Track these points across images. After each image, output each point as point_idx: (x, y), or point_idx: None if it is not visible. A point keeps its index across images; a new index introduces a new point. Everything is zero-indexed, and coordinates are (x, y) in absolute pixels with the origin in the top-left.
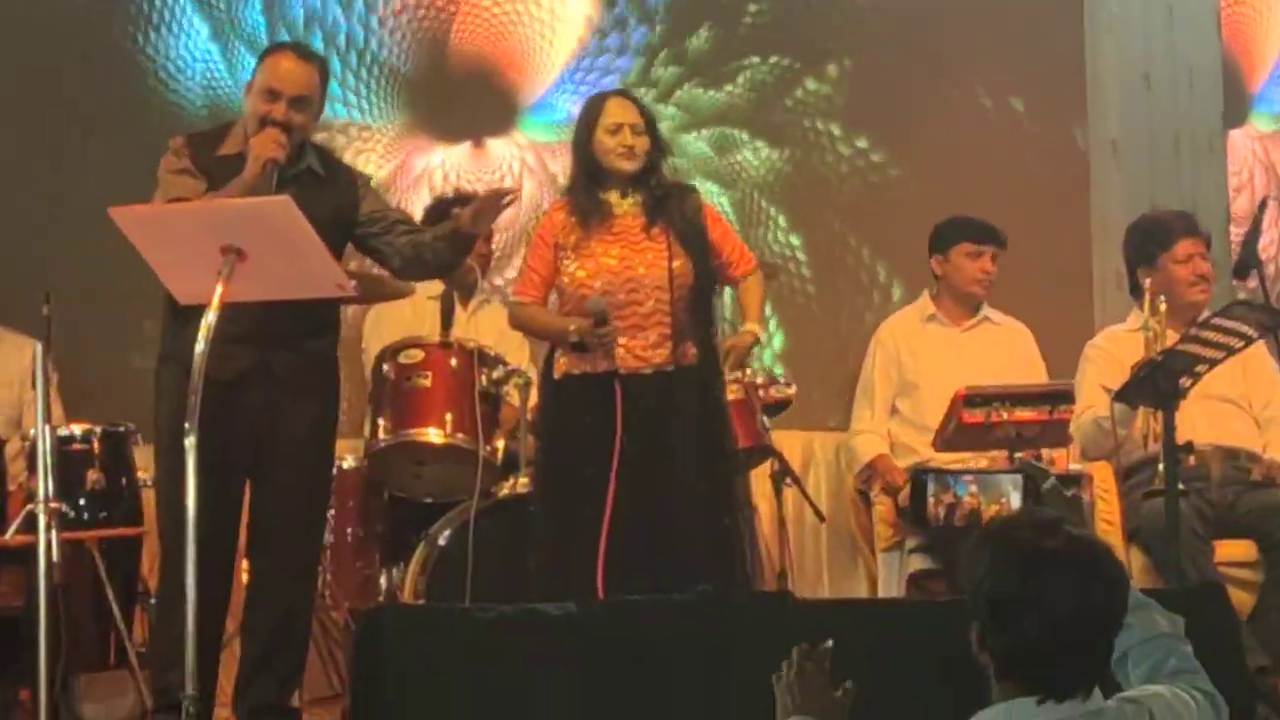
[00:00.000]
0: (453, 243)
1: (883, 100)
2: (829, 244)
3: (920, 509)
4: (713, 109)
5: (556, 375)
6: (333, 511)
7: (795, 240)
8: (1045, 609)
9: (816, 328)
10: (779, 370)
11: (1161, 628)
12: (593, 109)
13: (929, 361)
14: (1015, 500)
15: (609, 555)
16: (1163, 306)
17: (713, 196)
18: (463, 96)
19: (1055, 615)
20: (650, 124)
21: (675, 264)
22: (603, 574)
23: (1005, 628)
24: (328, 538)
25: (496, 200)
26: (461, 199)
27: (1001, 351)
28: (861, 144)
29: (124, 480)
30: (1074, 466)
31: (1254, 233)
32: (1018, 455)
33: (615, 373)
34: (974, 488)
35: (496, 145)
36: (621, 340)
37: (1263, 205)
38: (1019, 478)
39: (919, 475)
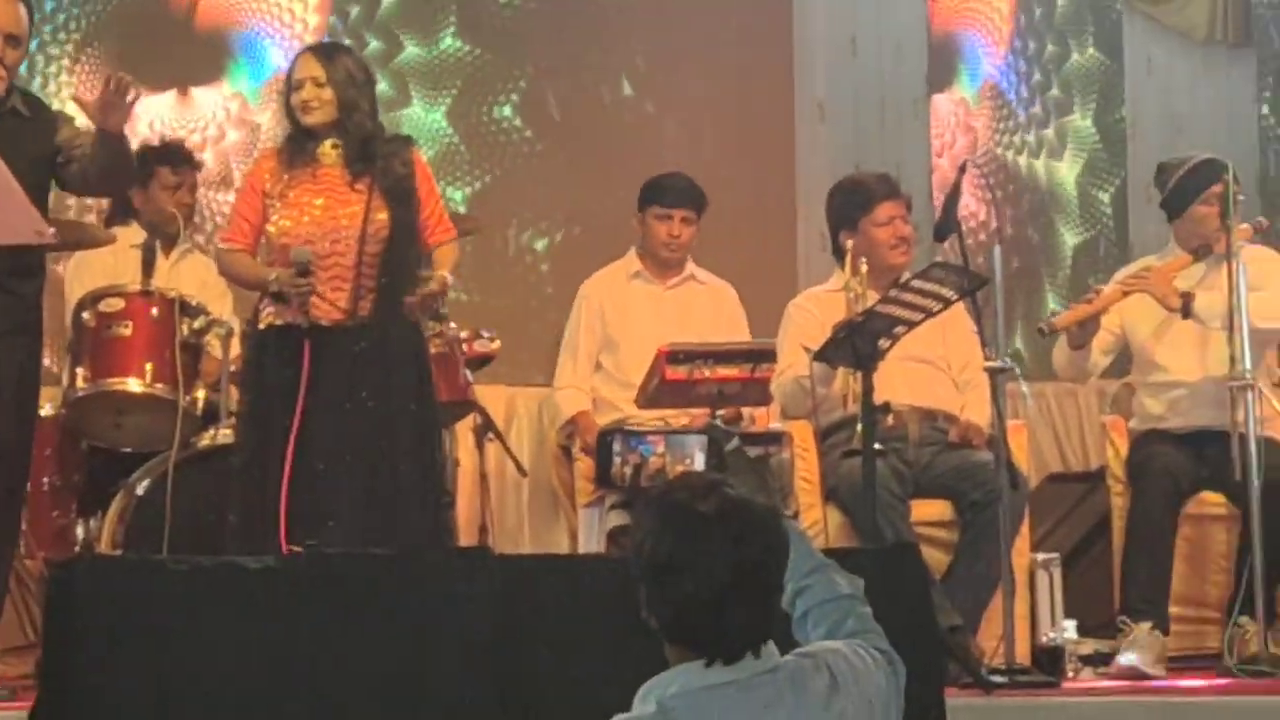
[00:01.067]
0: (101, 145)
1: (580, 51)
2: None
3: (605, 468)
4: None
5: (261, 325)
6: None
7: None
8: (702, 572)
9: (520, 283)
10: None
11: (841, 589)
12: (290, 65)
13: (633, 318)
14: (700, 460)
15: (304, 508)
16: (864, 268)
17: None
18: (168, 45)
19: (712, 578)
20: (343, 78)
21: (376, 217)
22: (285, 527)
23: (666, 591)
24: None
25: (116, 90)
26: (166, 148)
27: (705, 310)
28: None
29: None
30: (775, 425)
31: (954, 196)
32: (719, 413)
33: (306, 325)
34: (660, 448)
35: (202, 94)
36: (323, 291)
37: (963, 169)
38: (703, 438)
39: (605, 435)
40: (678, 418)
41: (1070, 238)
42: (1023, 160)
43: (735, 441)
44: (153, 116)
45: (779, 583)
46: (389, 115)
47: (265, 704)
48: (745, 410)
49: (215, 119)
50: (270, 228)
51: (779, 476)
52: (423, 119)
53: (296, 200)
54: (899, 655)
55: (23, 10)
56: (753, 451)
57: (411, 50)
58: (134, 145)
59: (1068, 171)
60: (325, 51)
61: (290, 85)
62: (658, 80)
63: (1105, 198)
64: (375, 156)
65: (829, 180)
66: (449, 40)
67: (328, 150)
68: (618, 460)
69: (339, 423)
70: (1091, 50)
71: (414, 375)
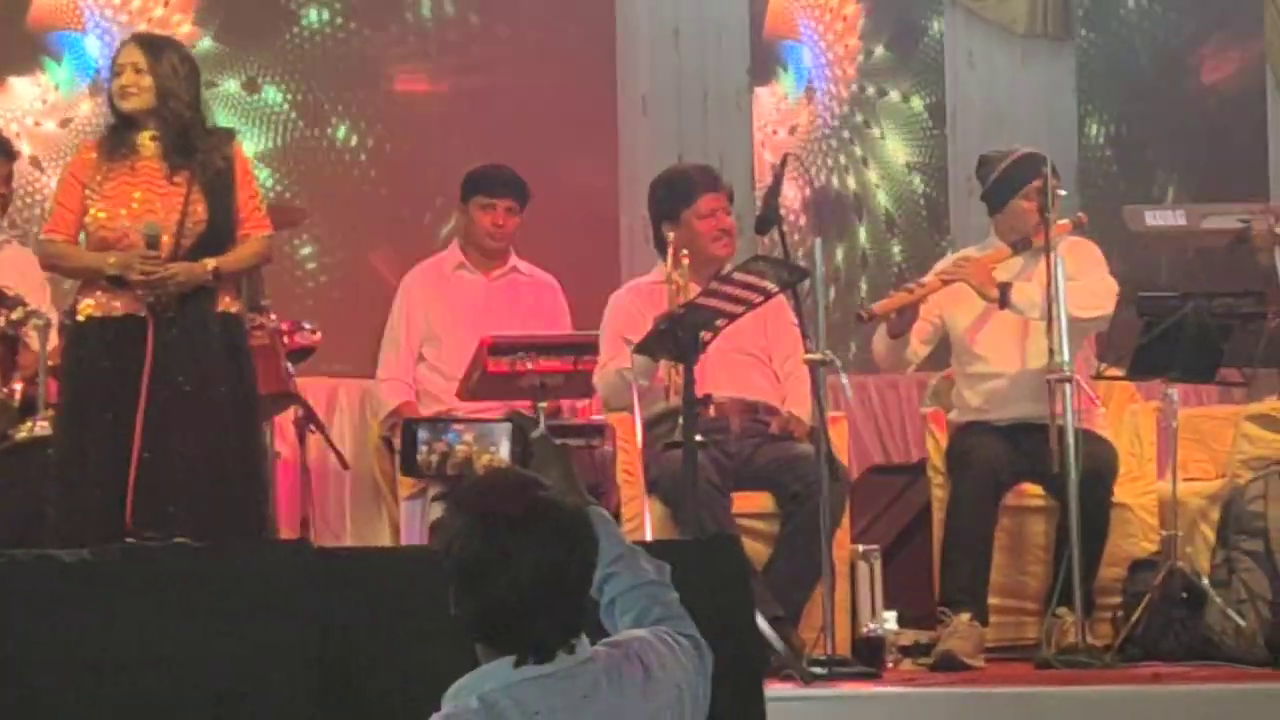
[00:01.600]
0: None
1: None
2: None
3: (411, 457)
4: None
5: (80, 317)
6: None
7: None
8: (510, 575)
9: (347, 273)
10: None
11: (647, 575)
12: (114, 52)
13: (456, 310)
14: (505, 449)
15: (136, 494)
16: (686, 260)
17: None
18: None
19: (521, 579)
20: (165, 69)
21: (194, 209)
22: (130, 515)
23: (474, 592)
24: None
25: None
26: None
27: (528, 302)
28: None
29: None
30: (597, 417)
31: (775, 188)
32: (541, 405)
33: (152, 301)
34: (468, 436)
35: (20, 84)
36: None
37: (784, 161)
38: (509, 426)
39: (409, 425)
40: (498, 410)
41: (890, 231)
42: (844, 153)
43: (540, 429)
44: None
45: (589, 582)
46: None
47: (81, 699)
48: (566, 401)
49: (33, 109)
50: (88, 218)
51: (601, 469)
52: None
53: (114, 192)
54: (720, 647)
55: None
56: (575, 444)
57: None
58: None
59: (891, 160)
60: (148, 41)
61: (113, 72)
62: (477, 72)
63: (925, 189)
64: (195, 149)
65: (652, 172)
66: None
67: (146, 142)
68: (424, 449)
69: (166, 413)
70: (914, 44)
71: (229, 364)
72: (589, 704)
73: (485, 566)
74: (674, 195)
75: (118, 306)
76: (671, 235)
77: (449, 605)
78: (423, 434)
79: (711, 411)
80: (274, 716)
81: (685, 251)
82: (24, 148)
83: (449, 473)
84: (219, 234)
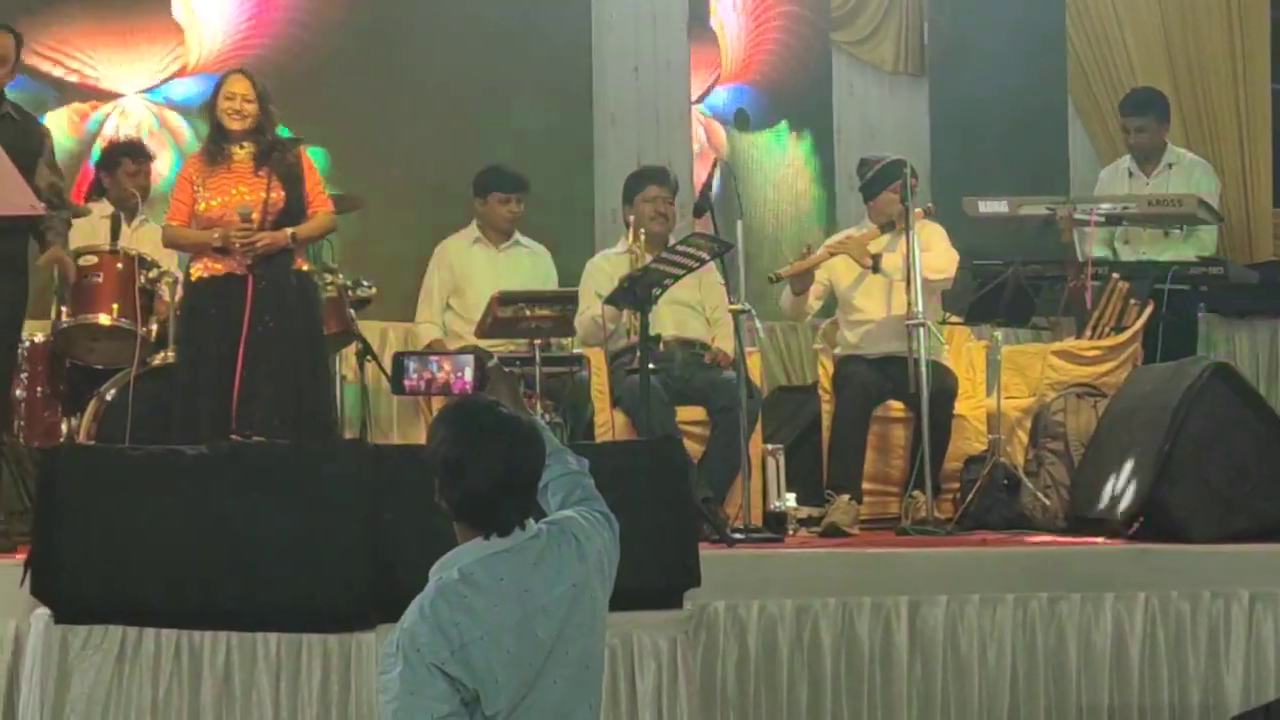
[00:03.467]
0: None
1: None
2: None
3: (399, 380)
4: None
5: (193, 278)
6: (26, 374)
7: None
8: (483, 469)
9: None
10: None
11: (572, 466)
12: (218, 84)
13: (474, 273)
14: (469, 373)
15: (239, 407)
16: (642, 235)
17: None
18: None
19: (489, 475)
20: (261, 95)
21: (274, 195)
22: (235, 422)
23: (454, 483)
24: (22, 393)
25: None
26: (129, 144)
27: (527, 267)
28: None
29: None
30: (577, 350)
31: (707, 184)
32: (537, 341)
33: (250, 263)
34: (446, 365)
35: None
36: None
37: (715, 164)
38: (472, 357)
39: (399, 357)
40: (509, 345)
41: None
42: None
43: (494, 360)
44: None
45: (539, 474)
46: None
47: (198, 555)
48: (554, 339)
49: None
50: (197, 207)
51: (580, 389)
52: None
53: (216, 186)
54: (665, 519)
55: (10, 39)
56: (559, 370)
57: None
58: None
59: (797, 163)
60: (253, 76)
61: (221, 95)
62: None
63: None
64: (272, 155)
65: (619, 171)
66: None
67: (238, 151)
68: (414, 375)
69: (261, 346)
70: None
71: (304, 309)
72: (538, 569)
73: (463, 464)
74: (631, 186)
75: (220, 268)
76: (630, 217)
77: (435, 495)
78: (411, 364)
79: (660, 347)
80: (337, 560)
81: (642, 229)
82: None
83: (432, 392)
84: (292, 212)
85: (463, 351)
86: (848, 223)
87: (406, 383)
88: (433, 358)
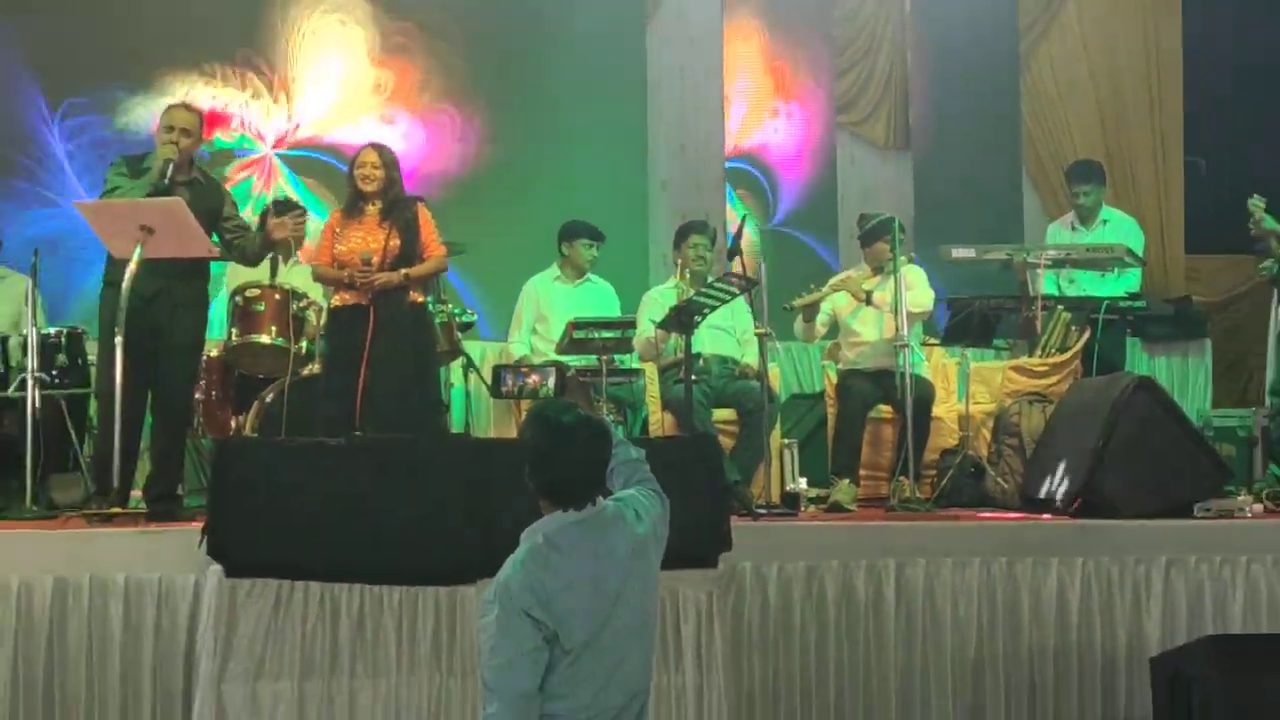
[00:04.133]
0: (263, 246)
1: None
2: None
3: (498, 388)
4: None
5: (333, 305)
6: (204, 382)
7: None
8: (562, 457)
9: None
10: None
11: (632, 455)
12: (355, 154)
13: (555, 302)
14: (551, 382)
15: (364, 409)
16: (687, 274)
17: None
18: None
19: (569, 460)
20: (387, 163)
21: (392, 243)
22: (359, 420)
23: (541, 469)
24: (201, 396)
25: (296, 224)
26: (287, 201)
27: (596, 298)
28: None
29: (79, 360)
30: (635, 365)
31: (738, 234)
32: (604, 357)
33: (370, 298)
34: (532, 376)
35: None
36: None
37: (743, 220)
38: (553, 369)
39: (497, 369)
40: (579, 361)
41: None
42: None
43: (571, 372)
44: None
45: (607, 461)
46: None
47: (337, 524)
48: (617, 356)
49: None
50: (337, 250)
51: (637, 394)
52: None
53: (351, 235)
54: (702, 498)
55: (194, 117)
56: (621, 380)
57: None
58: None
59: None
60: (381, 147)
61: (356, 163)
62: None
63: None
64: (395, 210)
65: (670, 226)
66: None
67: (369, 207)
68: (508, 383)
69: (385, 361)
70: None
71: (414, 330)
72: (606, 535)
73: (548, 453)
74: (678, 236)
75: (350, 299)
76: (678, 260)
77: (525, 477)
78: (507, 374)
79: (701, 362)
80: (445, 528)
81: (686, 269)
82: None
83: (525, 395)
84: (408, 256)
85: (546, 365)
86: (848, 264)
87: (503, 389)
88: (523, 369)
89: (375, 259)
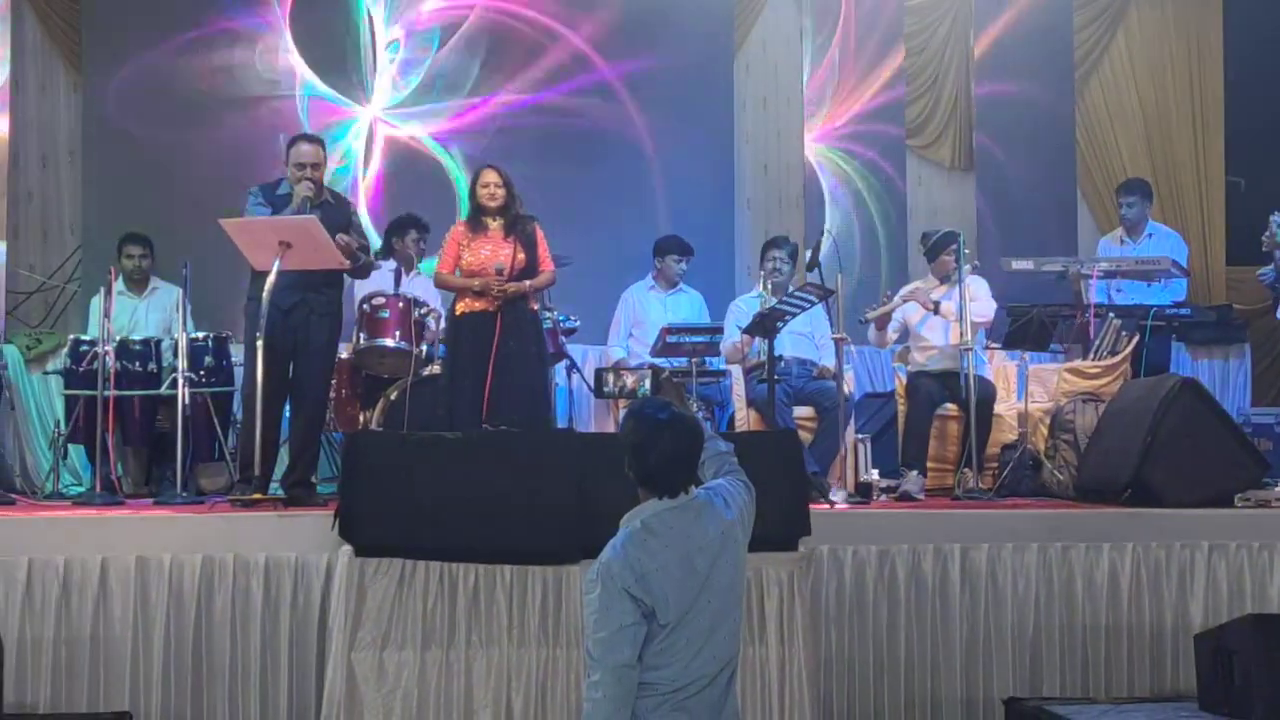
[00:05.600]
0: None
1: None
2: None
3: (600, 387)
4: None
5: (457, 313)
6: (335, 381)
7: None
8: (658, 450)
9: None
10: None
11: (722, 449)
12: (475, 174)
13: (650, 310)
14: (648, 383)
15: (489, 405)
16: (769, 284)
17: None
18: None
19: (663, 452)
20: (507, 183)
21: (518, 256)
22: (485, 416)
23: (639, 460)
24: (331, 395)
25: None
26: (411, 218)
27: (687, 306)
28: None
29: (224, 362)
30: (722, 366)
31: (816, 247)
32: (694, 359)
33: (497, 306)
34: (630, 377)
35: None
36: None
37: (821, 234)
38: (650, 371)
39: (599, 371)
40: (672, 363)
41: (880, 271)
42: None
43: (666, 373)
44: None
45: (699, 453)
46: None
47: (455, 509)
48: (707, 359)
49: None
50: (463, 261)
51: (723, 393)
52: None
53: (477, 247)
54: (784, 486)
55: (318, 147)
56: (710, 380)
57: None
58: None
59: (881, 235)
60: (500, 169)
61: (478, 183)
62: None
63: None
64: (516, 226)
65: (754, 240)
66: None
67: (492, 222)
68: (610, 383)
69: (505, 362)
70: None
71: (534, 336)
72: (698, 521)
73: (646, 446)
74: (762, 250)
75: (478, 306)
76: (761, 271)
77: (625, 468)
78: (608, 376)
79: (782, 364)
80: (552, 513)
81: (769, 280)
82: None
83: (625, 394)
84: (529, 268)
85: (643, 367)
86: (915, 276)
87: (605, 389)
88: (623, 371)
89: (505, 271)
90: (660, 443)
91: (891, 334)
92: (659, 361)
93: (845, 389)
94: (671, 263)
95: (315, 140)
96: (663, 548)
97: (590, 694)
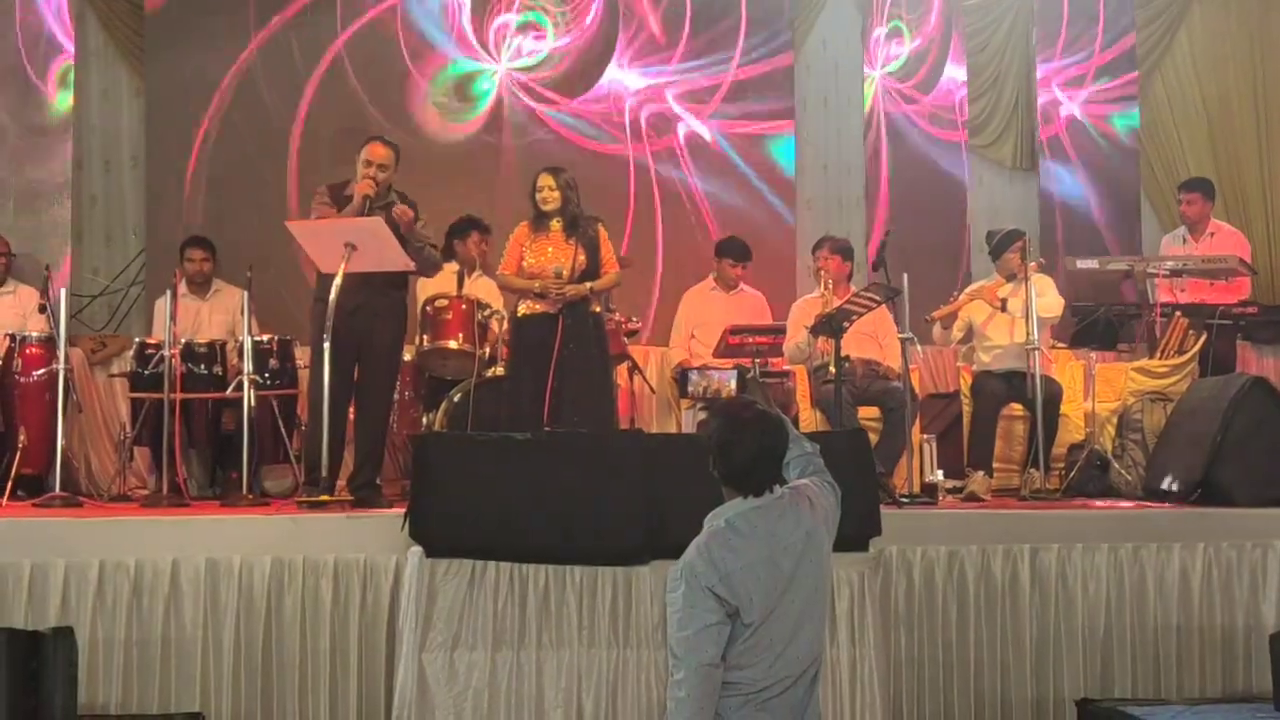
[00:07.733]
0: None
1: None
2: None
3: (684, 387)
4: None
5: (519, 314)
6: (399, 382)
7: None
8: (743, 448)
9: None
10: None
11: (806, 449)
12: (535, 178)
13: (711, 311)
14: (733, 384)
15: (550, 407)
16: (830, 284)
17: None
18: None
19: (749, 451)
20: (565, 185)
21: (579, 258)
22: (547, 418)
23: (724, 459)
24: (396, 397)
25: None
26: (472, 219)
27: (750, 307)
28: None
29: (289, 365)
30: (786, 367)
31: (882, 246)
32: (756, 360)
33: (558, 309)
34: (717, 376)
35: None
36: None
37: (887, 232)
38: (735, 373)
39: (684, 371)
40: (725, 363)
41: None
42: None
43: (752, 373)
44: None
45: (783, 452)
46: None
47: (524, 510)
48: (770, 360)
49: None
50: (525, 262)
51: (789, 394)
52: None
53: (538, 249)
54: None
55: (391, 151)
56: (773, 381)
57: None
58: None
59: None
60: (556, 171)
61: (536, 187)
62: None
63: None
64: (578, 227)
65: (814, 240)
66: None
67: (554, 225)
68: (694, 382)
69: (567, 362)
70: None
71: (596, 337)
72: (782, 520)
73: (731, 445)
74: (816, 250)
75: (539, 308)
76: (820, 271)
77: (710, 467)
78: (693, 376)
79: (847, 364)
80: (621, 514)
81: (829, 280)
82: None
83: (709, 396)
84: (590, 270)
85: (726, 368)
86: (979, 275)
87: (689, 388)
88: (709, 371)
89: (565, 273)
90: (746, 441)
91: (957, 333)
92: (719, 363)
93: (910, 389)
94: (729, 266)
95: (389, 144)
96: (746, 547)
97: (674, 693)
